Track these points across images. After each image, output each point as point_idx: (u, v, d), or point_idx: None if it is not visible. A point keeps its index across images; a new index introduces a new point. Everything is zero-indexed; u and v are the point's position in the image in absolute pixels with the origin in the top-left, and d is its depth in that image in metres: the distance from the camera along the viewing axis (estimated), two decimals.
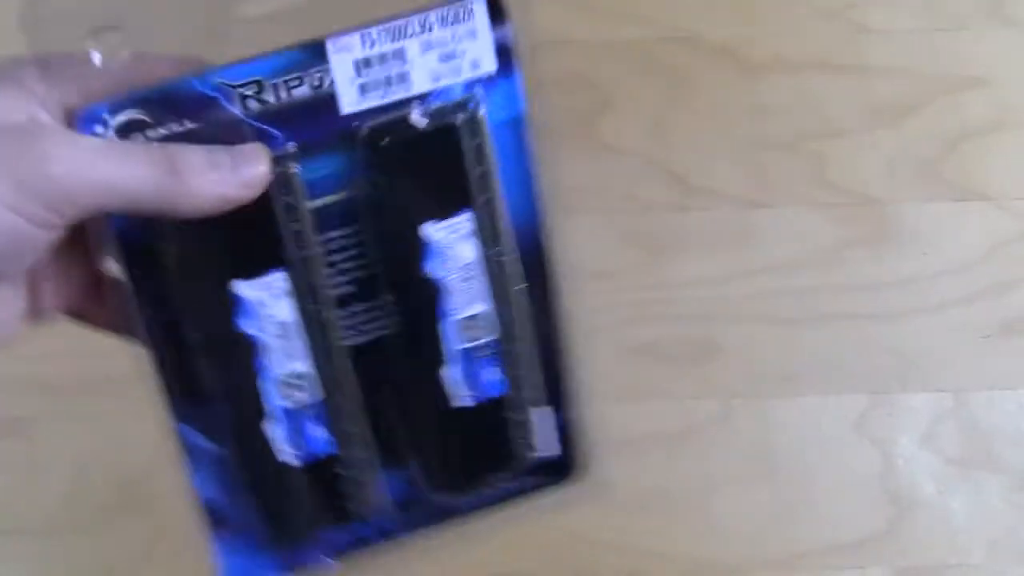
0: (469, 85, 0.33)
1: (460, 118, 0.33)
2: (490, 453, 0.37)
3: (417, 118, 0.32)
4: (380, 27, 0.32)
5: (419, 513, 0.39)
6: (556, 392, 0.39)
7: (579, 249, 0.60)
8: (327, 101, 0.32)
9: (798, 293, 0.60)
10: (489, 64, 0.34)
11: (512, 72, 0.35)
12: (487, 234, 0.34)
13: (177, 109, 0.32)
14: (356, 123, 0.31)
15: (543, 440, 0.39)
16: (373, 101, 0.32)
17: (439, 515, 0.39)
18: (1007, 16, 0.67)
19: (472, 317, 0.35)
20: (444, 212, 0.33)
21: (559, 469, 0.40)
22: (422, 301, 0.34)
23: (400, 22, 0.32)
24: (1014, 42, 0.66)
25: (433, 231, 0.33)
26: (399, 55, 0.32)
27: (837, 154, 0.64)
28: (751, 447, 0.56)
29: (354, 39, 0.32)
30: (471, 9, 0.33)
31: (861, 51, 0.66)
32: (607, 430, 0.56)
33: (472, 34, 0.33)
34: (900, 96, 0.65)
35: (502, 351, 0.36)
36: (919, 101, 0.65)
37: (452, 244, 0.34)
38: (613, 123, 0.64)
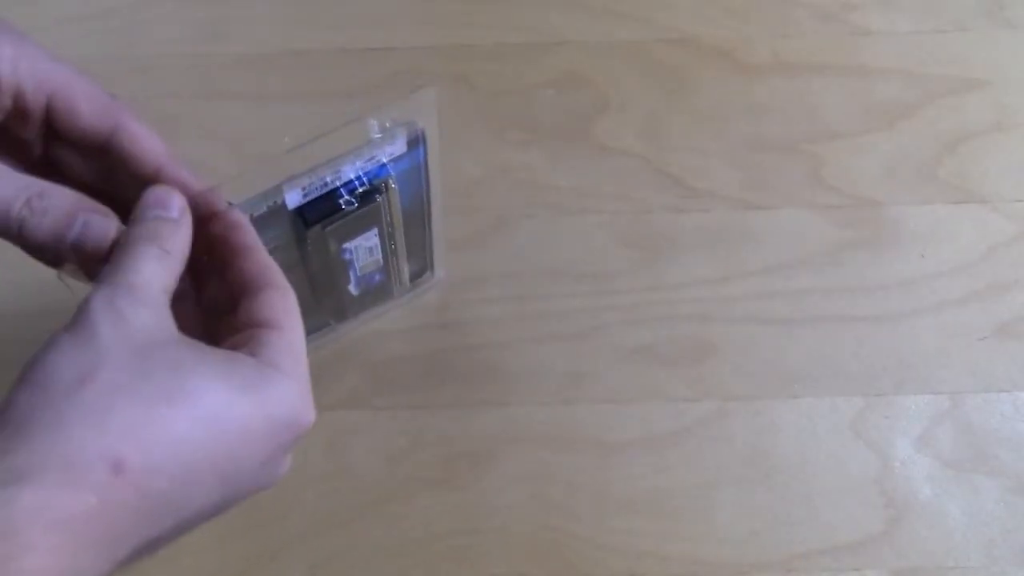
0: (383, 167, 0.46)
1: (379, 199, 0.47)
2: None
3: (347, 200, 0.45)
4: (327, 169, 0.44)
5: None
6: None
7: (576, 250, 0.61)
8: (279, 210, 0.44)
9: (795, 294, 0.60)
10: (401, 150, 0.46)
11: (417, 147, 0.47)
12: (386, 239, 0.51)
13: None
14: (300, 211, 0.44)
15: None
16: (312, 197, 0.44)
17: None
18: (1006, 18, 0.67)
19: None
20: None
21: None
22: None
23: (342, 159, 0.44)
24: (1013, 44, 0.66)
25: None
26: (336, 174, 0.44)
27: (835, 156, 0.64)
28: (748, 448, 0.56)
29: (303, 181, 0.43)
30: (398, 139, 0.45)
31: (859, 53, 0.66)
32: (607, 430, 0.57)
33: (393, 144, 0.45)
34: (898, 98, 0.65)
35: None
36: (917, 103, 0.65)
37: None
38: (610, 124, 0.64)
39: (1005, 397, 0.57)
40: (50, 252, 0.35)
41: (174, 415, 0.30)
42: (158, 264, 0.34)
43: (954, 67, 0.66)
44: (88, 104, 0.35)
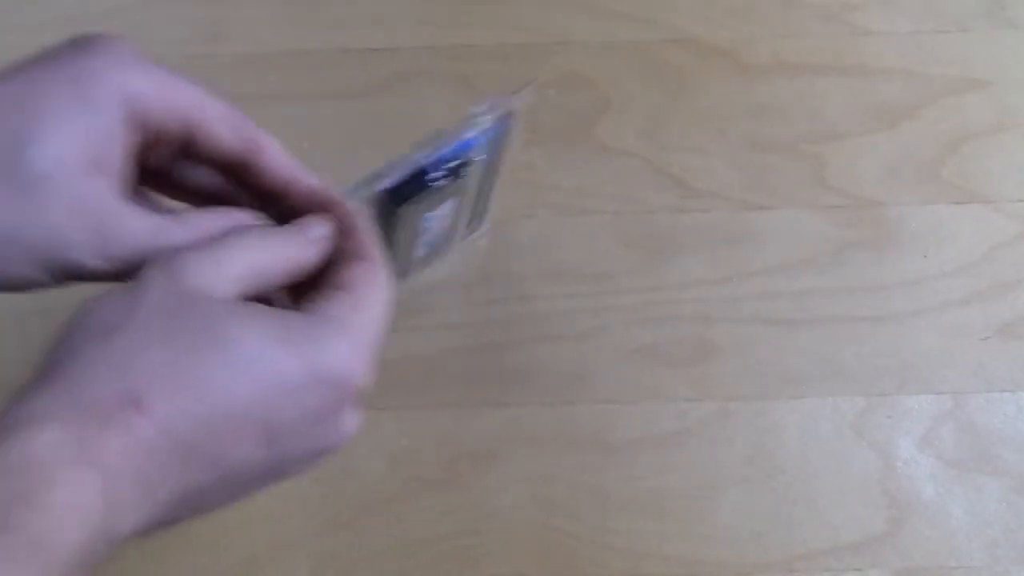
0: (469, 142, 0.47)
1: (463, 174, 0.48)
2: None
3: (434, 176, 0.46)
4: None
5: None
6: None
7: (577, 250, 0.61)
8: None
9: (797, 295, 0.60)
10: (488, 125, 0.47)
11: (506, 121, 0.48)
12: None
13: None
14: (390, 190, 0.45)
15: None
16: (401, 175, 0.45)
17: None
18: (1007, 18, 0.67)
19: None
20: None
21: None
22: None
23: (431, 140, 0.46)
24: (1014, 44, 0.66)
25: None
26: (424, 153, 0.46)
27: (836, 156, 0.63)
28: (749, 449, 0.56)
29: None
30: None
31: (861, 53, 0.66)
32: (608, 431, 0.56)
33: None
34: (900, 98, 0.65)
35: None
36: (919, 103, 0.65)
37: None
38: (612, 124, 0.64)
39: (1008, 397, 0.57)
40: None
41: (203, 360, 0.30)
42: (246, 251, 0.34)
43: (955, 67, 0.66)
44: (226, 126, 0.36)
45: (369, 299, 0.35)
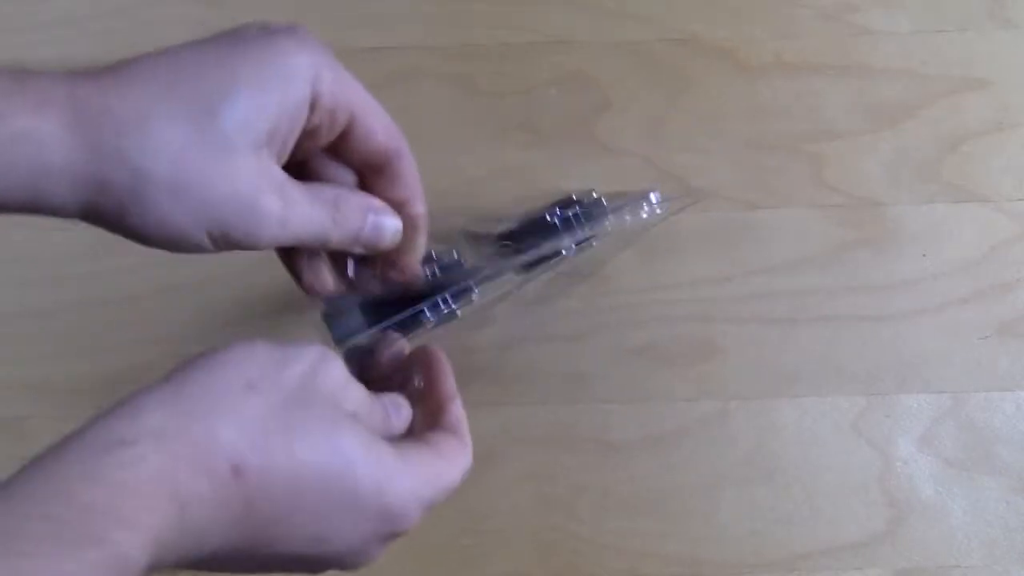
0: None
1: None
2: None
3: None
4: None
5: None
6: None
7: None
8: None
9: (796, 294, 0.60)
10: None
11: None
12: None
13: None
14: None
15: None
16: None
17: None
18: (1008, 18, 0.67)
19: None
20: None
21: None
22: None
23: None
24: (1015, 44, 0.66)
25: None
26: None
27: (836, 155, 0.63)
28: (749, 448, 0.56)
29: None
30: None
31: (861, 52, 0.66)
32: (608, 430, 0.57)
33: None
34: (900, 97, 0.65)
35: None
36: (919, 103, 0.65)
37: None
38: (612, 123, 0.64)
39: (1007, 396, 0.57)
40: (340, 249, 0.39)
41: (308, 455, 0.32)
42: (380, 405, 0.37)
43: (956, 67, 0.66)
44: (382, 126, 0.37)
45: (447, 470, 0.37)
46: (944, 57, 0.66)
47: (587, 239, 0.48)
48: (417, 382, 0.41)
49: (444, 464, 0.37)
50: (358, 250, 0.39)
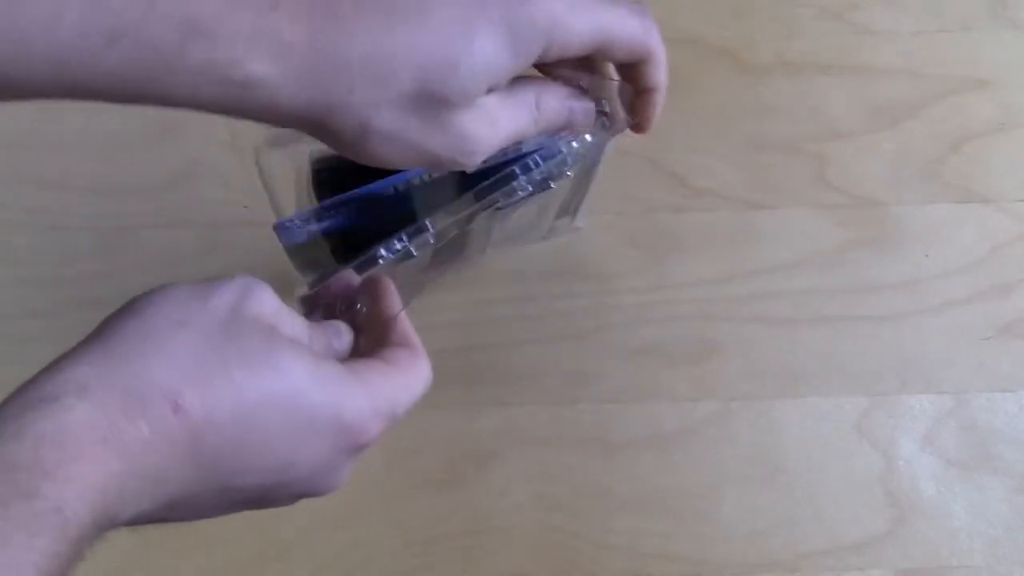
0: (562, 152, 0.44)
1: (553, 186, 0.46)
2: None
3: (523, 184, 0.44)
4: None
5: None
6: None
7: (579, 249, 0.61)
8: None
9: (798, 294, 0.60)
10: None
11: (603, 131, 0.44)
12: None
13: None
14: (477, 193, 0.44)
15: None
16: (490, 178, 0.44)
17: None
18: (1010, 18, 0.67)
19: None
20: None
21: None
22: None
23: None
24: (1017, 44, 0.66)
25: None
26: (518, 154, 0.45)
27: (838, 155, 0.63)
28: (751, 448, 0.56)
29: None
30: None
31: (863, 52, 0.66)
32: (611, 430, 0.57)
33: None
34: (902, 97, 0.65)
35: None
36: (921, 103, 0.65)
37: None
38: None
39: (1009, 396, 0.57)
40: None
41: (248, 380, 0.31)
42: (325, 329, 0.37)
43: (958, 67, 0.66)
44: (625, 50, 0.37)
45: (402, 379, 0.37)
46: (946, 57, 0.66)
47: (540, 167, 0.47)
48: (360, 307, 0.40)
49: (397, 373, 0.36)
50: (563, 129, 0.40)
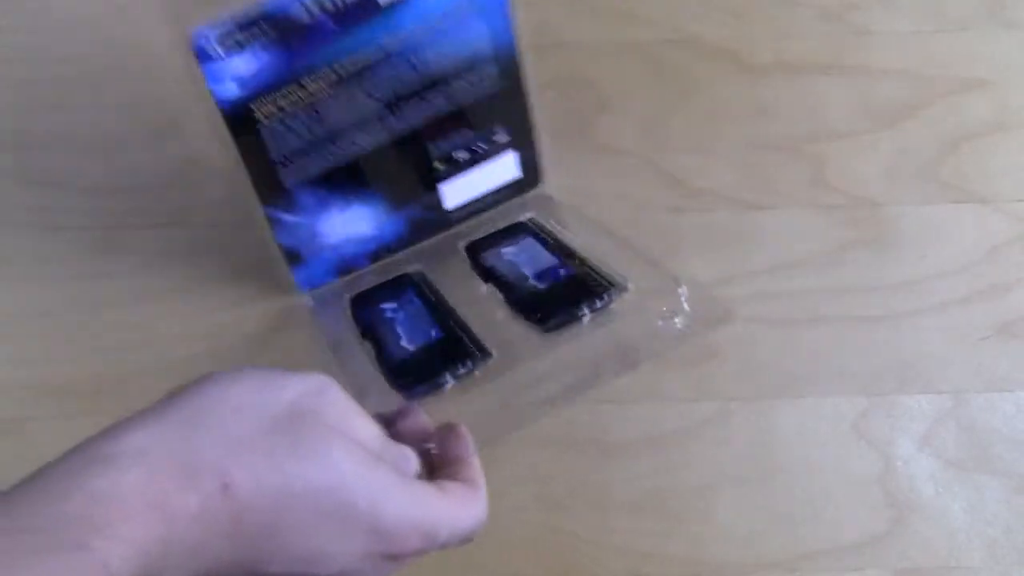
0: None
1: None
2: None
3: None
4: None
5: None
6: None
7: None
8: None
9: (797, 294, 0.60)
10: None
11: None
12: None
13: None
14: None
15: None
16: None
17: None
18: (1008, 19, 0.67)
19: None
20: None
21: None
22: None
23: None
24: (1015, 44, 0.66)
25: None
26: None
27: (837, 156, 0.64)
28: (750, 449, 0.56)
29: None
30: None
31: (861, 53, 0.66)
32: (608, 431, 0.56)
33: None
34: (900, 98, 0.65)
35: None
36: (919, 103, 0.65)
37: None
38: (612, 124, 0.64)
39: (1008, 397, 0.57)
40: None
41: (294, 469, 0.32)
42: (393, 447, 0.38)
43: (956, 67, 0.66)
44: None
45: (453, 509, 0.37)
46: (944, 57, 0.66)
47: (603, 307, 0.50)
48: (432, 449, 0.41)
49: (449, 502, 0.37)
50: None
